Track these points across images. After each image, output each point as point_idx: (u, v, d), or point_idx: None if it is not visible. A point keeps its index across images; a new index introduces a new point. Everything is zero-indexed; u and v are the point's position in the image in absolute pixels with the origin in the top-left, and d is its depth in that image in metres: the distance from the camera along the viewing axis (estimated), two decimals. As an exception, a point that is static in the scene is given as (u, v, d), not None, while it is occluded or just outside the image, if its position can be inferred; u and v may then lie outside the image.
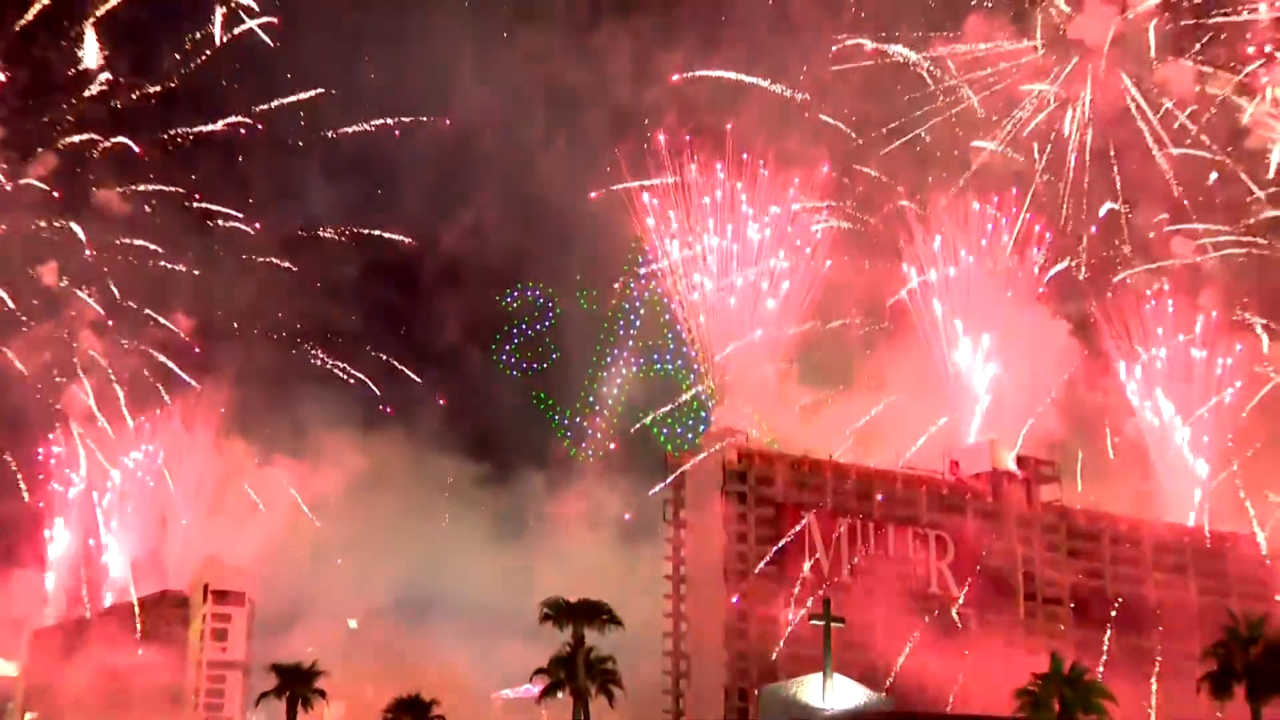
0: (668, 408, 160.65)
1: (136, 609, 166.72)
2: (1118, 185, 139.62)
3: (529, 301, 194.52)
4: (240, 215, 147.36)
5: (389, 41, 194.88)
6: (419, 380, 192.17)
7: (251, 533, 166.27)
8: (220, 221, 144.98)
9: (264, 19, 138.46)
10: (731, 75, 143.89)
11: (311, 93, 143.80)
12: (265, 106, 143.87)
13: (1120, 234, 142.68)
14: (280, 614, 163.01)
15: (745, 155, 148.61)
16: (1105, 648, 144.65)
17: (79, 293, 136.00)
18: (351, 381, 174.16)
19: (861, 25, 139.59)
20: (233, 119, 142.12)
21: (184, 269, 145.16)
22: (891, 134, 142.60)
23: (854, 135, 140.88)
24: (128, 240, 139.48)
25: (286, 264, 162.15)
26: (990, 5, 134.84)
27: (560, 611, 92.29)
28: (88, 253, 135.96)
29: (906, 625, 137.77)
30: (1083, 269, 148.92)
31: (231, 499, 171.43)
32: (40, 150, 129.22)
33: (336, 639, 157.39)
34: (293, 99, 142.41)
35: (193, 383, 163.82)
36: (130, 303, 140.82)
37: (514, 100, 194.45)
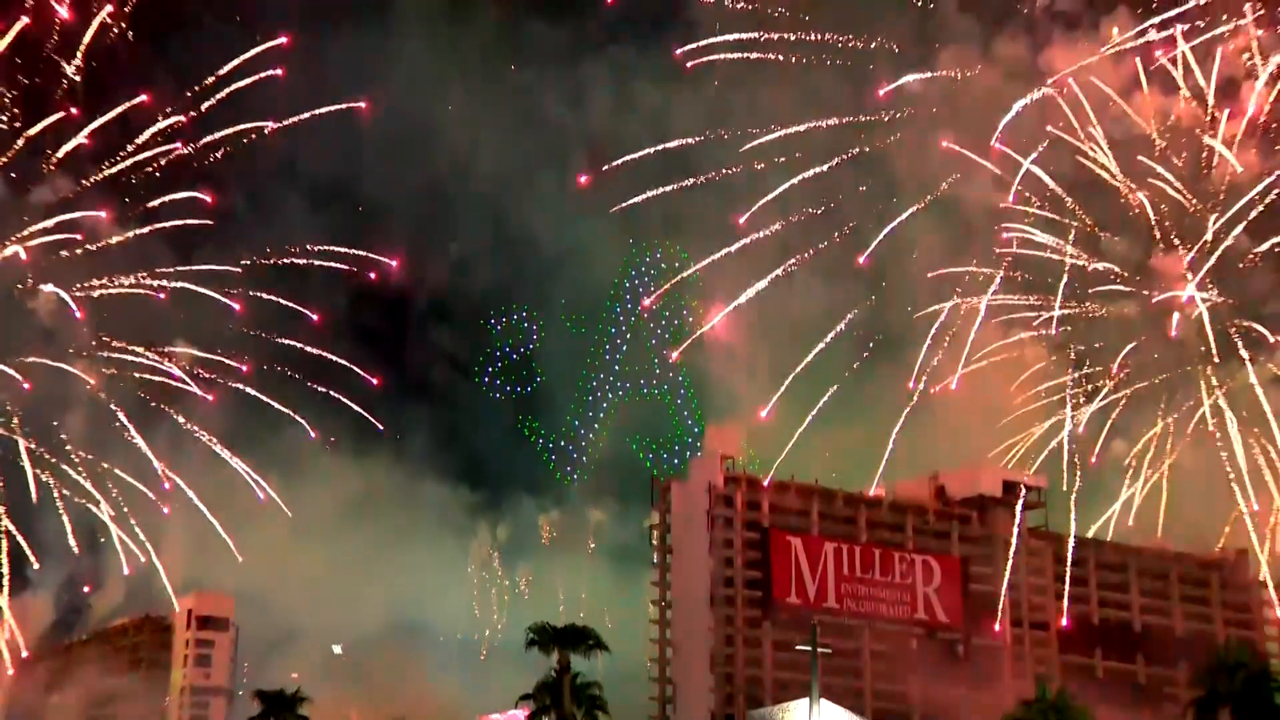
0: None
1: (120, 635, 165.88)
2: (1088, 216, 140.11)
3: (513, 325, 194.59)
4: (227, 242, 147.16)
5: (371, 73, 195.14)
6: (408, 406, 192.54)
7: (237, 558, 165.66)
8: (207, 248, 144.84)
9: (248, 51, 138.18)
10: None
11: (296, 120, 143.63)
12: (251, 136, 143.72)
13: (1098, 264, 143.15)
14: (265, 639, 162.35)
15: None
16: (1092, 674, 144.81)
17: (72, 306, 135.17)
18: (342, 407, 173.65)
19: (836, 57, 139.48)
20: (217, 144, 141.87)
21: (175, 296, 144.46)
22: (863, 167, 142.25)
23: (826, 169, 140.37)
24: (119, 267, 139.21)
25: (274, 290, 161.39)
26: (961, 38, 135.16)
27: (546, 636, 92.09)
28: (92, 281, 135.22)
29: (893, 650, 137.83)
30: (1063, 297, 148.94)
31: (218, 524, 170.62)
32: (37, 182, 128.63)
33: (321, 664, 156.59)
34: (276, 129, 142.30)
35: (182, 410, 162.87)
36: (122, 328, 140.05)
37: (500, 131, 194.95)
